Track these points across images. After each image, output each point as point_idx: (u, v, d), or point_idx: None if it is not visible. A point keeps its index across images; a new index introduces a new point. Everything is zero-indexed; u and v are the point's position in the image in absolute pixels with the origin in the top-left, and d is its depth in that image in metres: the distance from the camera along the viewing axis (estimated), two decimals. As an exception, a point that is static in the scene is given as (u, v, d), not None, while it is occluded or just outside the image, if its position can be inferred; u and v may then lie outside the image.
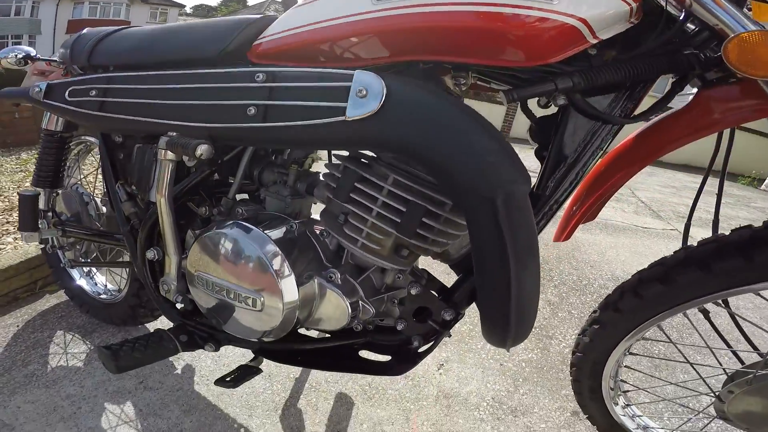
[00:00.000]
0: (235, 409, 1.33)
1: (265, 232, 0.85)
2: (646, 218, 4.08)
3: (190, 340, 1.04)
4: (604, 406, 1.15)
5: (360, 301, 0.85)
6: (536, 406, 1.44)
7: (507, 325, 0.71)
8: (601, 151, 0.83)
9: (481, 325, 0.78)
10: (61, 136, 1.33)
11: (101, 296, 1.62)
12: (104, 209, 1.48)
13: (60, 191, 1.46)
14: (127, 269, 1.47)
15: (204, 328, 1.05)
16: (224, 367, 1.48)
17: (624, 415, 1.17)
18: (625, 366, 1.13)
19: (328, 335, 1.02)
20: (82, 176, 1.69)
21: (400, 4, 0.66)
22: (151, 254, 1.07)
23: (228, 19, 0.98)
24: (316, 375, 1.50)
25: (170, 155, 0.90)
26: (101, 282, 1.68)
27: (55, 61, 1.31)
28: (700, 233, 3.46)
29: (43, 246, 1.69)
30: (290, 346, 1.02)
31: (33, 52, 1.37)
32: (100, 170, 1.66)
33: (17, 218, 2.14)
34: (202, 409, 1.32)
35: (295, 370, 1.50)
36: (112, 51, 1.09)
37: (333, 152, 0.90)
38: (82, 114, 1.04)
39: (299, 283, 0.84)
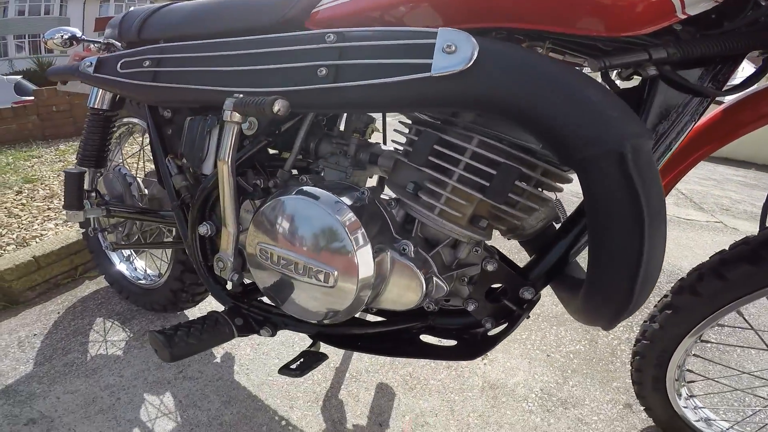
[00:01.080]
0: (275, 400, 1.22)
1: (338, 198, 0.72)
2: (689, 210, 3.81)
3: (245, 323, 0.91)
4: (666, 397, 1.03)
5: (434, 278, 0.73)
6: (587, 398, 1.29)
7: (629, 298, 0.59)
8: (693, 125, 0.73)
9: (584, 301, 0.67)
10: (106, 114, 1.22)
11: (141, 281, 1.52)
12: (146, 190, 1.39)
13: (103, 171, 1.37)
14: (170, 252, 1.38)
15: (258, 311, 0.94)
16: (264, 355, 1.37)
17: (686, 407, 1.05)
18: (693, 354, 1.00)
19: (384, 319, 0.91)
20: (122, 158, 1.60)
21: None
22: (203, 229, 0.94)
23: None
24: (356, 364, 1.37)
25: (236, 117, 0.76)
26: (141, 267, 1.59)
27: (100, 42, 1.24)
28: (745, 226, 3.23)
29: (84, 230, 1.62)
30: (350, 330, 0.90)
31: (79, 33, 1.28)
32: (142, 151, 1.59)
33: (62, 199, 2.12)
34: (242, 400, 1.21)
35: (336, 359, 1.38)
36: (163, 24, 1.03)
37: (400, 116, 0.81)
38: (135, 86, 0.95)
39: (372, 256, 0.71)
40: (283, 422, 1.16)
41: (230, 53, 0.82)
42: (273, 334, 0.93)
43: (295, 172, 0.95)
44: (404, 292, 0.74)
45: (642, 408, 1.12)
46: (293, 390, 1.26)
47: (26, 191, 2.39)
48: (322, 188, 0.75)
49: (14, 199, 2.28)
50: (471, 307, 0.81)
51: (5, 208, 2.18)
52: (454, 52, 0.58)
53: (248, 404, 1.20)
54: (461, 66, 0.58)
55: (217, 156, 0.82)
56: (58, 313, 1.50)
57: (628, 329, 1.56)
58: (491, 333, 0.83)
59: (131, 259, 1.60)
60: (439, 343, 0.90)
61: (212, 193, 0.92)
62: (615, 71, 0.72)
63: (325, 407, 1.22)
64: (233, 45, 0.82)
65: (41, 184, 2.52)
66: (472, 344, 0.85)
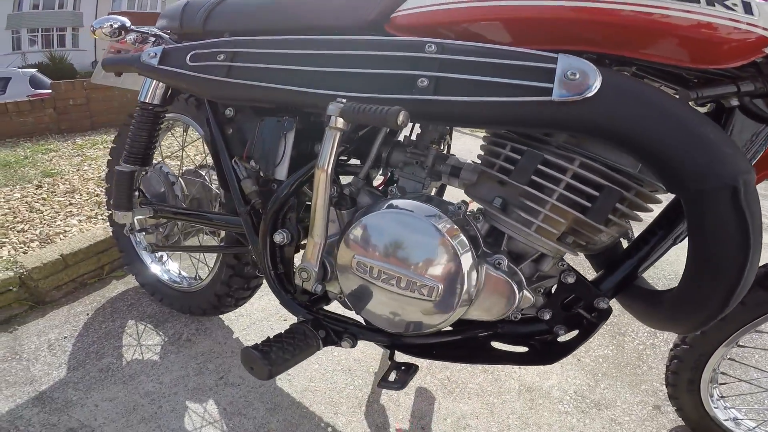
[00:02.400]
0: (320, 406, 1.13)
1: (442, 213, 0.69)
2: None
3: (327, 335, 0.85)
4: (699, 399, 1.01)
5: (523, 290, 0.71)
6: (618, 400, 1.23)
7: (723, 308, 0.63)
8: (761, 152, 0.73)
9: (673, 309, 0.69)
10: (156, 110, 1.08)
11: (178, 284, 1.39)
12: (186, 189, 1.27)
13: (148, 170, 1.24)
14: (219, 255, 1.25)
15: (335, 322, 0.88)
16: (305, 361, 1.27)
17: (717, 408, 1.03)
18: (728, 359, 0.98)
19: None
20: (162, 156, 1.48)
21: None
22: (279, 237, 0.85)
23: None
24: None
25: (341, 123, 0.67)
26: (175, 269, 1.45)
27: (150, 32, 1.10)
28: None
29: (113, 228, 1.49)
30: (426, 340, 0.84)
31: (128, 22, 1.14)
32: (183, 150, 1.46)
33: (82, 194, 2.00)
34: (286, 407, 1.11)
35: (374, 364, 1.29)
36: (231, 15, 0.92)
37: (493, 133, 0.76)
38: (207, 81, 0.84)
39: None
40: (329, 429, 1.07)
41: (319, 53, 0.73)
42: (354, 345, 0.86)
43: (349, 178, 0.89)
44: (496, 303, 0.71)
45: (672, 409, 1.10)
46: (336, 396, 1.16)
47: (46, 185, 2.23)
48: (422, 202, 0.71)
49: (35, 194, 2.12)
50: (546, 316, 0.79)
51: (26, 202, 2.02)
52: (577, 79, 0.57)
53: (293, 411, 1.10)
54: (585, 94, 0.57)
55: (317, 163, 0.71)
56: (87, 314, 1.38)
57: (652, 335, 1.50)
58: (562, 339, 0.81)
59: (164, 261, 1.48)
60: (510, 350, 0.86)
61: (289, 200, 0.83)
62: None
63: (368, 412, 1.13)
64: (322, 44, 0.73)
65: (61, 178, 2.35)
66: (544, 350, 0.83)
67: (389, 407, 1.16)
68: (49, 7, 18.42)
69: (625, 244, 0.82)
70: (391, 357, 0.88)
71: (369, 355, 1.32)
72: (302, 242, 0.89)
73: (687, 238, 0.62)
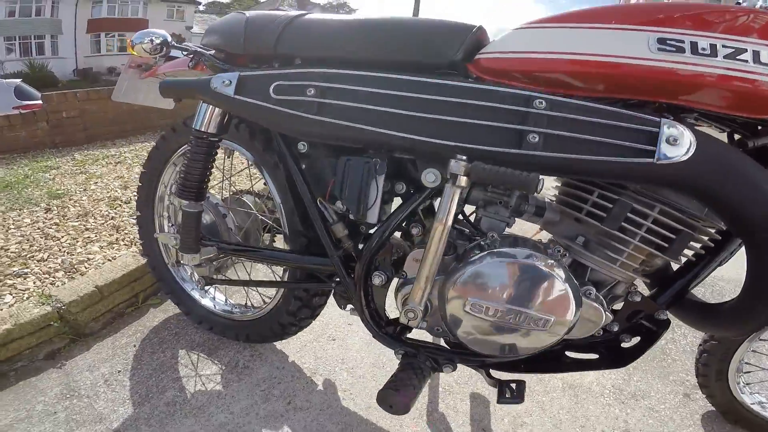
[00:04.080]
0: (386, 421, 1.11)
1: (550, 258, 0.74)
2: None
3: (433, 364, 0.88)
4: (727, 386, 1.09)
5: (606, 312, 0.79)
6: (651, 391, 1.29)
7: None
8: None
9: (731, 320, 0.76)
10: (211, 139, 0.97)
11: (231, 313, 1.30)
12: (236, 221, 1.19)
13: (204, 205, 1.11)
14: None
15: (433, 351, 0.90)
16: (361, 378, 1.24)
17: (743, 393, 1.11)
18: (751, 351, 1.05)
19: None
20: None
21: (682, 59, 0.61)
22: (379, 280, 0.85)
23: (436, 21, 0.76)
24: (446, 378, 1.28)
25: (464, 182, 0.67)
26: (221, 298, 1.36)
27: (196, 51, 1.00)
28: None
29: (147, 257, 1.40)
30: (515, 357, 0.87)
31: (169, 37, 1.03)
32: (228, 180, 1.36)
33: (96, 217, 1.80)
34: (357, 426, 1.08)
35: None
36: (307, 39, 0.83)
37: (579, 182, 0.78)
38: (298, 119, 0.76)
39: None
40: None
41: (422, 97, 0.69)
42: (454, 369, 0.88)
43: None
44: (587, 326, 0.78)
45: (700, 396, 1.19)
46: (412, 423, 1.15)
47: (55, 209, 2.06)
48: (525, 247, 0.75)
49: (45, 218, 1.96)
50: (615, 328, 0.85)
51: (38, 228, 1.86)
52: (677, 144, 0.61)
53: (364, 428, 1.08)
54: (682, 158, 0.60)
55: (437, 217, 0.71)
56: (134, 346, 1.29)
57: (671, 331, 1.57)
58: (626, 345, 0.89)
59: (207, 291, 1.39)
60: (583, 357, 0.92)
61: (383, 245, 0.81)
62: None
63: (430, 421, 1.13)
64: (425, 88, 0.69)
65: (69, 199, 2.18)
66: (614, 355, 0.89)
67: (449, 414, 1.16)
68: (25, 15, 16.66)
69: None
70: (489, 375, 0.91)
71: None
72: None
73: (747, 266, 0.68)
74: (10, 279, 1.47)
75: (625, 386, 1.31)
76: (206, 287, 1.27)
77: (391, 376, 0.82)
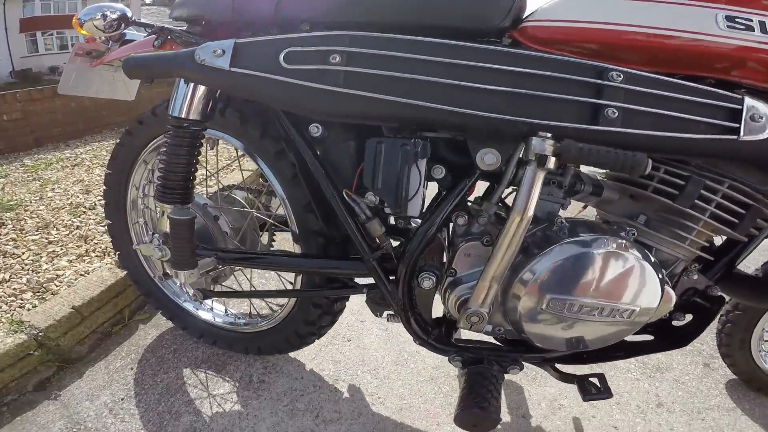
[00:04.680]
0: (421, 421, 1.04)
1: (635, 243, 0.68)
2: None
3: (498, 367, 0.82)
4: (750, 355, 1.10)
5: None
6: (674, 363, 1.30)
7: None
8: None
9: None
10: (193, 128, 0.78)
11: (236, 325, 1.15)
12: (231, 224, 1.04)
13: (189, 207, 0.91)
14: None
15: (491, 352, 0.84)
16: (386, 379, 1.16)
17: (765, 361, 1.12)
18: None
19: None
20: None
21: (751, 38, 0.59)
22: (429, 283, 0.72)
23: None
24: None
25: (552, 163, 0.58)
26: (221, 309, 1.21)
27: (162, 27, 0.84)
28: None
29: (127, 270, 1.22)
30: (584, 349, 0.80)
31: (129, 11, 0.85)
32: (215, 174, 1.19)
33: (59, 228, 1.59)
34: (392, 430, 1.01)
35: (453, 370, 1.22)
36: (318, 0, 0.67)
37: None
38: (314, 91, 0.61)
39: None
40: None
41: (473, 64, 0.59)
42: (521, 369, 0.82)
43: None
44: (661, 310, 0.72)
45: (722, 365, 1.20)
46: (431, 407, 1.08)
47: (10, 222, 1.78)
48: (599, 234, 0.68)
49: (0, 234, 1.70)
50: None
51: (-9, 246, 1.61)
52: (761, 122, 0.57)
53: (400, 434, 1.00)
54: (765, 134, 0.57)
55: (515, 206, 0.61)
56: (131, 368, 1.13)
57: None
58: (679, 324, 0.85)
59: (204, 304, 1.24)
60: (641, 340, 0.87)
61: (431, 240, 0.70)
62: None
63: (464, 419, 1.07)
64: (477, 54, 0.59)
65: (25, 210, 1.90)
66: (671, 336, 0.86)
67: (481, 409, 1.10)
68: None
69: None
70: (555, 370, 0.86)
71: (444, 360, 1.24)
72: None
73: None
74: None
75: (648, 361, 1.31)
76: (206, 299, 1.11)
77: (464, 391, 0.74)
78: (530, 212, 0.61)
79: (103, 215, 1.87)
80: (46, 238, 1.68)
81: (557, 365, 0.88)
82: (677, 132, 0.58)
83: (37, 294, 1.34)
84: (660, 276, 0.67)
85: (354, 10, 0.67)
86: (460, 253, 0.73)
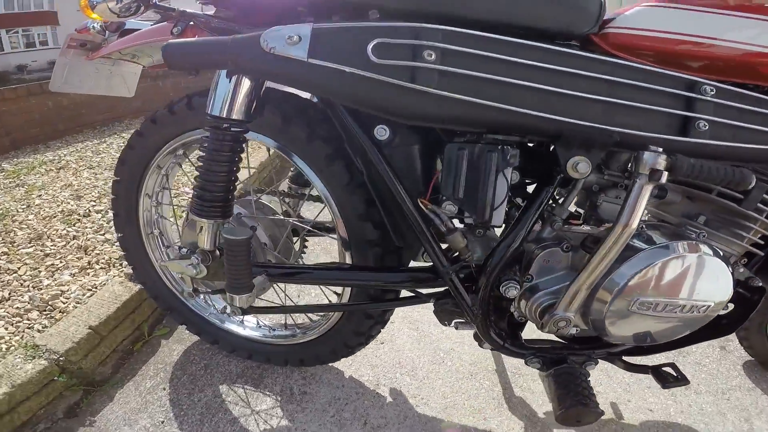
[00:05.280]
0: (468, 418, 1.03)
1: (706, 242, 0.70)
2: None
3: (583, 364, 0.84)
4: (766, 338, 1.13)
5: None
6: (692, 347, 1.32)
7: None
8: None
9: None
10: (235, 129, 0.71)
11: (275, 337, 1.09)
12: (267, 234, 0.97)
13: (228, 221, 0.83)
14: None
15: (568, 350, 0.85)
16: (425, 379, 1.13)
17: None
18: None
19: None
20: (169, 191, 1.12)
21: None
22: (513, 292, 0.70)
23: None
24: (512, 362, 1.22)
25: (665, 178, 0.57)
26: (251, 321, 1.14)
27: (185, 12, 0.74)
28: None
29: (141, 284, 1.14)
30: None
31: None
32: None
33: (53, 238, 1.39)
34: (440, 430, 0.99)
35: (491, 365, 1.21)
36: None
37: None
38: (407, 91, 0.55)
39: None
40: None
41: (570, 71, 0.56)
42: (596, 365, 0.84)
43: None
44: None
45: (737, 347, 1.26)
46: (476, 403, 1.07)
47: (-2, 235, 1.65)
48: (674, 239, 0.69)
49: (-13, 249, 1.56)
50: None
51: (-19, 262, 1.47)
52: None
53: None
54: None
55: (620, 219, 0.60)
56: (164, 388, 1.05)
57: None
58: (723, 313, 0.84)
59: (227, 312, 1.16)
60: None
61: (519, 250, 0.68)
62: None
63: (512, 407, 1.07)
64: (573, 61, 0.57)
65: (12, 221, 1.74)
66: (718, 325, 0.85)
67: (527, 397, 1.11)
68: None
69: None
70: (624, 362, 0.88)
71: (480, 356, 1.23)
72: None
73: None
74: None
75: (665, 344, 1.35)
76: (243, 315, 1.04)
77: (559, 391, 0.77)
78: (634, 224, 0.59)
79: (101, 223, 1.75)
80: (41, 251, 1.55)
81: (624, 358, 0.88)
82: (756, 144, 0.61)
83: (44, 313, 1.23)
84: (731, 271, 0.69)
85: (441, 2, 0.59)
86: (538, 260, 0.70)
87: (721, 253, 0.69)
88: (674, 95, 0.58)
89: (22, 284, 1.36)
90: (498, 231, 0.76)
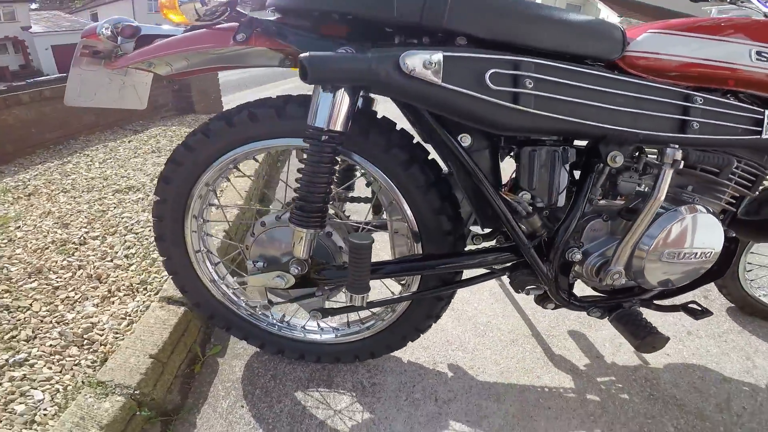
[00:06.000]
0: (523, 378, 1.15)
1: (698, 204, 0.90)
2: None
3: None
4: (740, 284, 1.35)
5: None
6: (680, 298, 1.52)
7: None
8: None
9: None
10: (334, 142, 0.75)
11: (339, 335, 1.13)
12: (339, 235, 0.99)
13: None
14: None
15: (615, 299, 1.00)
16: (476, 352, 1.24)
17: (752, 288, 1.37)
18: (751, 252, 1.31)
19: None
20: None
21: None
22: (578, 256, 0.88)
23: (591, 17, 0.77)
24: (542, 326, 1.36)
25: (681, 165, 0.79)
26: (298, 323, 1.17)
27: (250, 19, 0.76)
28: None
29: (188, 302, 1.13)
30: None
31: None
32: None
33: (54, 270, 1.28)
34: (505, 391, 1.10)
35: (527, 330, 1.34)
36: (476, 14, 0.69)
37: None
38: (513, 112, 0.70)
39: None
40: (545, 389, 1.11)
41: (611, 91, 0.75)
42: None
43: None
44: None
45: (716, 296, 1.45)
46: (526, 365, 1.20)
47: (-10, 274, 1.49)
48: (690, 203, 0.89)
49: (-15, 291, 1.41)
50: None
51: (-16, 305, 1.34)
52: None
53: (512, 391, 1.10)
54: None
55: (654, 194, 0.80)
56: (242, 406, 1.06)
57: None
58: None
59: (286, 320, 1.18)
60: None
61: (580, 223, 0.87)
62: None
63: (556, 364, 1.21)
64: (614, 83, 0.75)
65: (25, 248, 1.58)
66: (710, 270, 0.99)
67: (565, 354, 1.25)
68: None
69: None
70: (655, 305, 1.05)
71: (515, 324, 1.36)
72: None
73: None
74: (9, 370, 1.06)
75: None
76: (320, 320, 1.07)
77: (630, 327, 0.93)
78: (662, 197, 0.80)
79: (103, 249, 1.64)
80: (48, 284, 1.43)
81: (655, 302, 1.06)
82: (731, 135, 0.82)
83: (84, 348, 1.17)
84: (721, 225, 0.90)
85: (516, 34, 0.72)
86: (587, 230, 0.88)
87: (712, 211, 0.88)
88: (675, 105, 0.78)
89: (42, 320, 1.27)
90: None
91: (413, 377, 1.15)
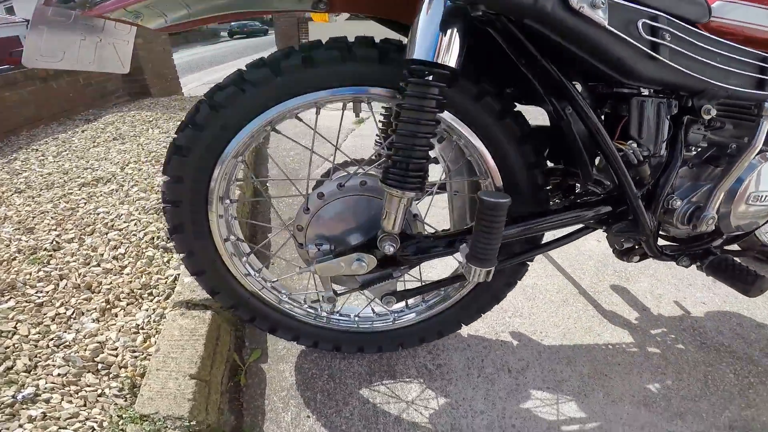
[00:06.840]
0: (585, 337, 1.13)
1: None
2: None
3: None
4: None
5: None
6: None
7: None
8: None
9: None
10: (444, 80, 0.65)
11: (410, 318, 1.02)
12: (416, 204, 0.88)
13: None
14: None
15: (696, 249, 0.98)
16: (532, 317, 1.19)
17: None
18: None
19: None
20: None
21: None
22: (679, 203, 0.86)
23: None
24: (585, 283, 1.33)
25: None
26: (369, 312, 1.04)
27: None
28: None
29: (236, 313, 0.97)
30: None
31: None
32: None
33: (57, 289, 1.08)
34: (577, 351, 1.07)
35: (574, 289, 1.30)
36: None
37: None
38: (650, 62, 0.70)
39: None
40: (601, 336, 1.09)
41: (711, 49, 0.76)
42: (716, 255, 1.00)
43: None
44: None
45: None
46: (584, 324, 1.17)
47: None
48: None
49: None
50: None
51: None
52: None
53: (583, 349, 1.07)
54: None
55: (753, 143, 0.81)
56: (307, 416, 0.92)
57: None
58: None
59: (337, 309, 1.04)
60: None
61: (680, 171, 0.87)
62: None
63: (609, 320, 1.20)
64: (717, 44, 0.77)
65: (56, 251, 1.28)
66: None
67: (614, 309, 1.24)
68: None
69: None
70: (724, 251, 1.02)
71: (560, 284, 1.32)
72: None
73: None
74: (23, 409, 0.87)
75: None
76: (398, 303, 0.91)
77: (733, 273, 0.92)
78: (760, 146, 0.81)
79: (84, 253, 1.38)
80: (29, 301, 1.19)
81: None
82: None
83: (102, 373, 0.99)
84: None
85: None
86: (677, 177, 0.87)
87: None
88: (754, 65, 0.80)
89: (36, 346, 1.05)
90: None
91: (479, 351, 1.08)
